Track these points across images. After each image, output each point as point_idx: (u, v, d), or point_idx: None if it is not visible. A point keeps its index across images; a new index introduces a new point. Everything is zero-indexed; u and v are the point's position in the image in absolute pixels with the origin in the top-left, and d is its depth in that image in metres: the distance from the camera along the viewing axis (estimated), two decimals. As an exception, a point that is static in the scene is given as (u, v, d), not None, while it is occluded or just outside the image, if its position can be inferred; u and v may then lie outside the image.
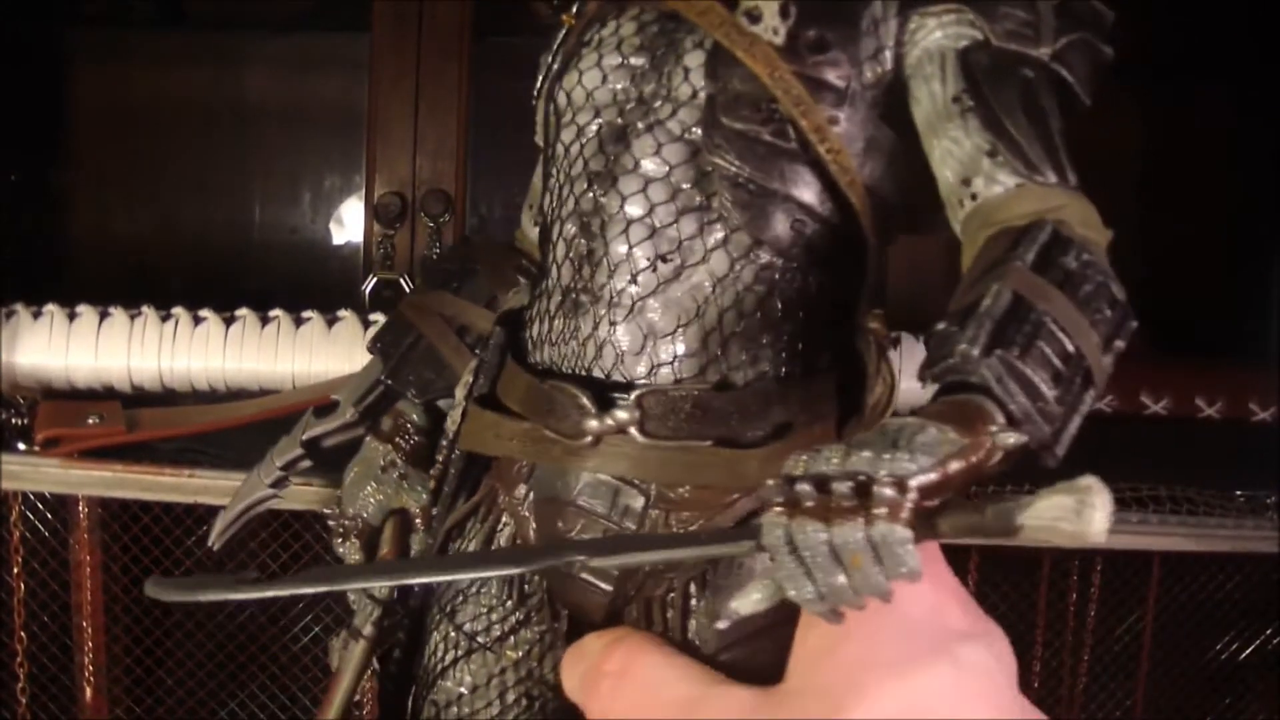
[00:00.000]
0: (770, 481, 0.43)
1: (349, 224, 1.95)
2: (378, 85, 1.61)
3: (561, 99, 0.62)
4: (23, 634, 1.09)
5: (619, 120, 0.59)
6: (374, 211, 1.63)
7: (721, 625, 0.55)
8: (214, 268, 1.92)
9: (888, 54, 0.57)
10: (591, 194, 0.59)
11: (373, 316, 1.14)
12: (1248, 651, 1.29)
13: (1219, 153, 1.82)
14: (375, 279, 1.62)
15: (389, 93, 1.61)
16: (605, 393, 0.57)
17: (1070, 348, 0.46)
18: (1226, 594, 1.24)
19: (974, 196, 0.53)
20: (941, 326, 0.47)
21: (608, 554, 0.51)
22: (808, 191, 0.57)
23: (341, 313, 1.14)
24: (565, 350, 0.59)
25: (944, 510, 0.41)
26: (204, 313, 1.12)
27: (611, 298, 0.57)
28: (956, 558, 0.43)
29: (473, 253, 0.79)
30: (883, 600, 0.41)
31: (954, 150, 0.54)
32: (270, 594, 0.53)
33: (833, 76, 0.56)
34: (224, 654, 1.21)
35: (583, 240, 0.59)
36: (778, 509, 0.42)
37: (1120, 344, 0.49)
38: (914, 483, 0.40)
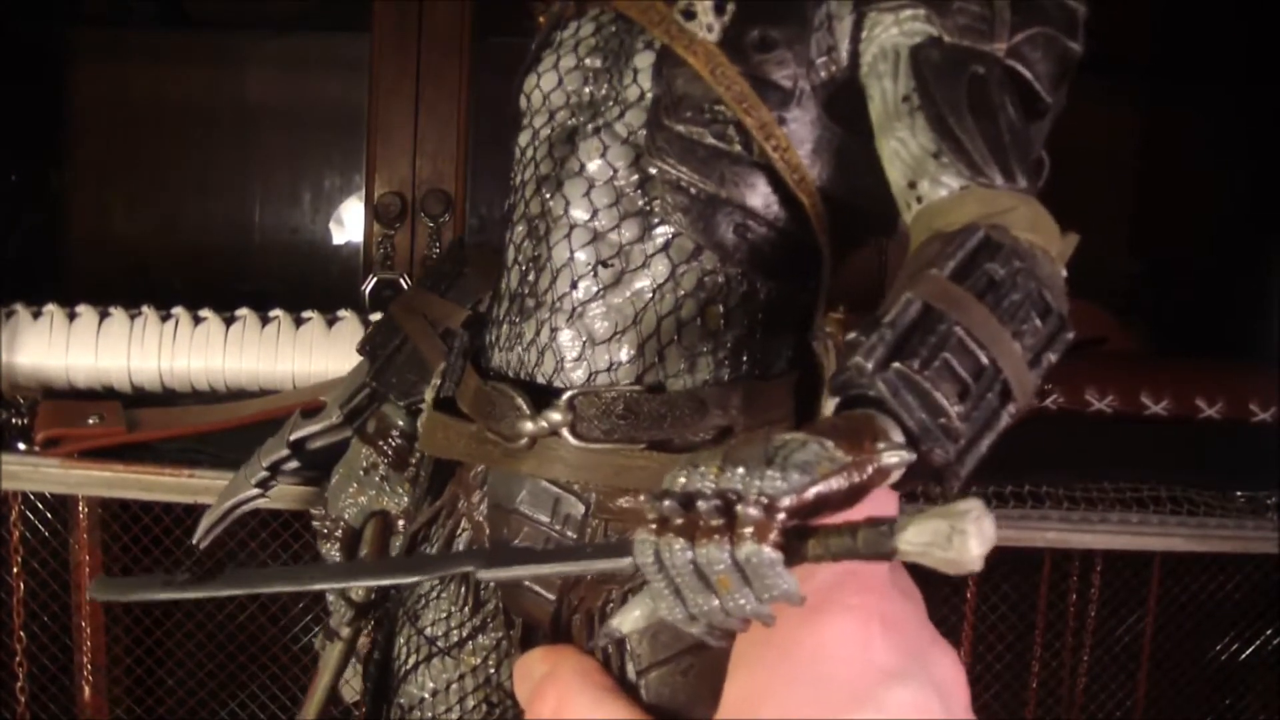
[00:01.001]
0: (643, 497, 0.41)
1: (349, 224, 1.96)
2: (378, 85, 1.61)
3: (522, 102, 0.61)
4: (22, 634, 1.09)
5: (570, 122, 0.58)
6: (374, 211, 1.63)
7: (653, 640, 0.53)
8: (214, 268, 1.92)
9: (843, 52, 0.54)
10: (540, 197, 0.58)
11: (373, 316, 1.14)
12: (1248, 651, 1.29)
13: (1219, 152, 1.82)
14: (375, 279, 1.62)
15: (389, 93, 1.61)
16: (544, 396, 0.56)
17: (984, 361, 0.43)
18: (1226, 594, 1.24)
19: (920, 199, 0.50)
20: (851, 336, 0.44)
21: (497, 565, 0.49)
22: (753, 195, 0.55)
23: (342, 313, 1.14)
24: (511, 356, 0.58)
25: (816, 532, 0.38)
26: (204, 313, 1.13)
27: (554, 303, 0.56)
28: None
29: (464, 255, 0.78)
30: (765, 624, 0.39)
31: (901, 151, 0.51)
32: (194, 595, 0.53)
33: (779, 76, 0.54)
34: (224, 654, 1.20)
35: (530, 244, 0.58)
36: (650, 525, 0.39)
37: (1052, 357, 0.45)
38: (784, 503, 0.37)
